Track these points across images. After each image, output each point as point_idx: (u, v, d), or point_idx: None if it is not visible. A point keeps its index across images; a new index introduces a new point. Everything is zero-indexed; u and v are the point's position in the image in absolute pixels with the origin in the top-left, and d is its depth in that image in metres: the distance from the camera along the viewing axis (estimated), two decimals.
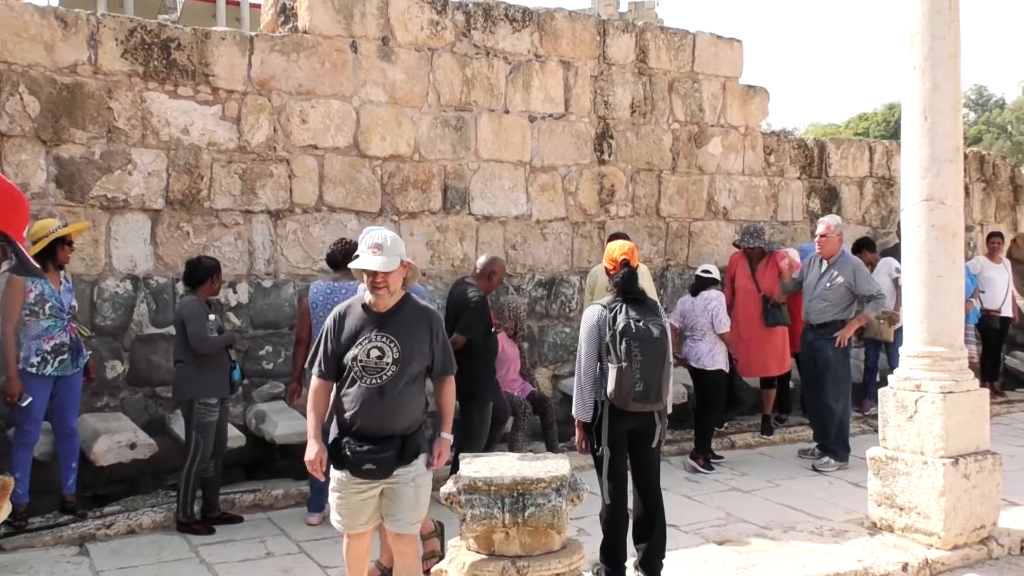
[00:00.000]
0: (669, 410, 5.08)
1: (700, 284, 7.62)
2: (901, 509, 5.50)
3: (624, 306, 4.88)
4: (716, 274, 7.68)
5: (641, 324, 4.80)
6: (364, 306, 4.01)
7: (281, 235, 7.35)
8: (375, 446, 3.89)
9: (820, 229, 7.66)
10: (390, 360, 3.90)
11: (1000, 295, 10.30)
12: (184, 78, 6.94)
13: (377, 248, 3.89)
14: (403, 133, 7.78)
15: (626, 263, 5.07)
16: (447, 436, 4.18)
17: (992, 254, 10.61)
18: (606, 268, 5.18)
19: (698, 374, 7.52)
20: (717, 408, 7.70)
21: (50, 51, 6.51)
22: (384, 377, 3.90)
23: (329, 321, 4.07)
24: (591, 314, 4.99)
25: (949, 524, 5.27)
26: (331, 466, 4.02)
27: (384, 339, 3.91)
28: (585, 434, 5.01)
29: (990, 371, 10.53)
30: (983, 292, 10.18)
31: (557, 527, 3.82)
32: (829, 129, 75.44)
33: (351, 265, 3.99)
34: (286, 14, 7.58)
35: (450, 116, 7.99)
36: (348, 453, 3.90)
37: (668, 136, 9.13)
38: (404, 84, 7.77)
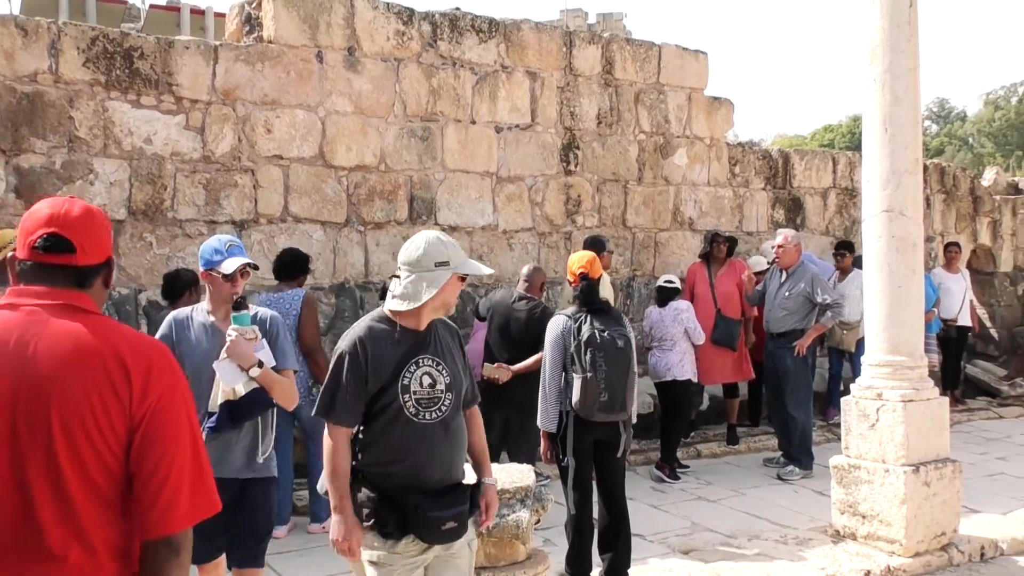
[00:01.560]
0: (634, 420, 5.09)
1: (665, 294, 7.64)
2: (864, 517, 5.55)
3: (589, 316, 4.91)
4: (678, 284, 7.74)
5: (606, 334, 4.82)
6: (393, 325, 3.13)
7: (246, 245, 7.27)
8: (448, 499, 3.09)
9: (778, 240, 7.77)
10: (443, 388, 3.11)
11: (956, 305, 10.45)
12: (147, 87, 6.88)
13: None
14: (369, 143, 7.76)
15: (584, 276, 5.10)
16: (491, 481, 3.34)
17: (949, 264, 10.77)
18: (568, 281, 5.20)
19: (666, 385, 7.53)
20: (684, 418, 7.75)
21: (10, 59, 6.43)
22: (444, 409, 3.10)
23: (349, 351, 3.08)
24: (556, 324, 5.01)
25: (910, 531, 5.33)
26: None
27: (432, 363, 3.12)
28: (550, 444, 5.02)
29: (951, 380, 10.68)
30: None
31: (522, 538, 3.83)
32: (795, 140, 76.21)
33: (462, 271, 3.12)
34: (251, 24, 7.54)
35: (416, 126, 7.98)
36: (423, 514, 3.01)
37: (634, 147, 9.18)
38: (370, 94, 7.75)
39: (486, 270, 3.33)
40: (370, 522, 3.04)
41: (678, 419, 7.61)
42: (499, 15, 8.54)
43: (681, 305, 7.55)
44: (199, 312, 3.77)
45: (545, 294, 8.28)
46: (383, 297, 6.45)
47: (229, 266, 3.62)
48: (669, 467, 7.46)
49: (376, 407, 3.07)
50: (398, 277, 3.12)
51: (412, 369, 3.08)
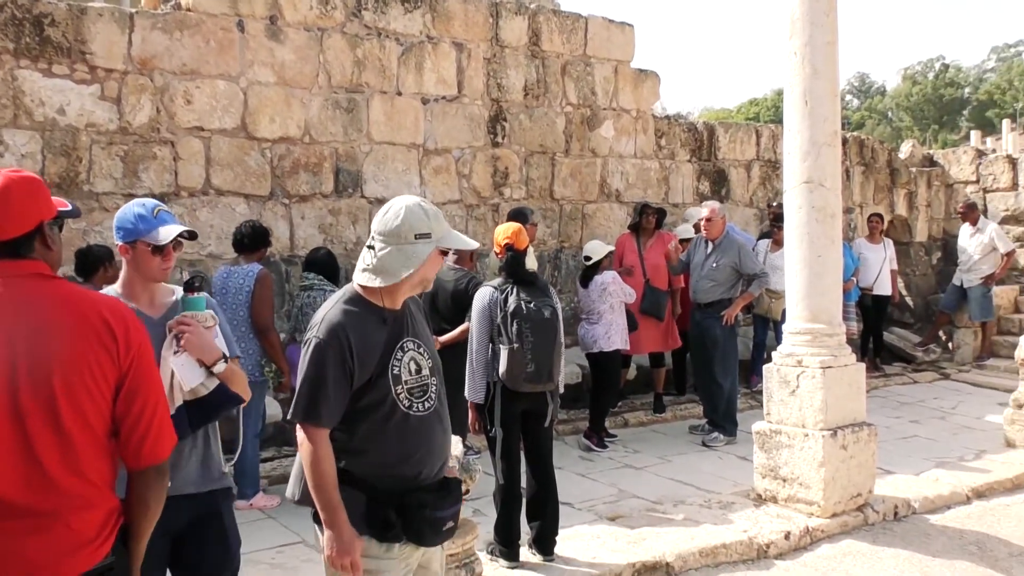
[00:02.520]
0: (561, 390, 5.14)
1: (587, 273, 7.69)
2: (784, 480, 5.70)
3: (515, 288, 4.92)
4: (602, 252, 7.71)
5: (532, 305, 4.84)
6: (369, 306, 2.74)
7: None
8: (449, 497, 2.83)
9: (704, 213, 7.87)
10: (427, 372, 2.79)
11: (873, 274, 10.74)
12: (59, 56, 6.66)
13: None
14: (293, 115, 7.64)
15: (510, 247, 5.11)
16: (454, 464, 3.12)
17: (872, 234, 11.06)
18: (494, 252, 5.20)
19: (594, 356, 7.61)
20: (612, 388, 7.84)
21: None
22: (433, 398, 2.80)
23: (328, 341, 2.64)
24: (482, 296, 5.01)
25: (828, 493, 5.48)
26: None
27: (414, 345, 2.78)
28: (478, 415, 5.04)
29: (870, 347, 11.00)
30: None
31: None
32: (721, 114, 77.35)
33: (444, 244, 2.75)
34: None
35: (341, 98, 7.87)
36: (430, 515, 2.74)
37: (561, 119, 9.20)
38: (293, 64, 7.62)
39: (472, 243, 2.91)
40: (370, 528, 2.69)
41: (605, 389, 7.69)
42: None
43: (606, 278, 7.59)
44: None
45: (476, 265, 8.29)
46: (307, 269, 6.42)
47: (165, 235, 2.88)
48: (597, 436, 7.56)
49: (362, 404, 2.67)
50: (372, 248, 2.71)
51: (399, 356, 2.71)
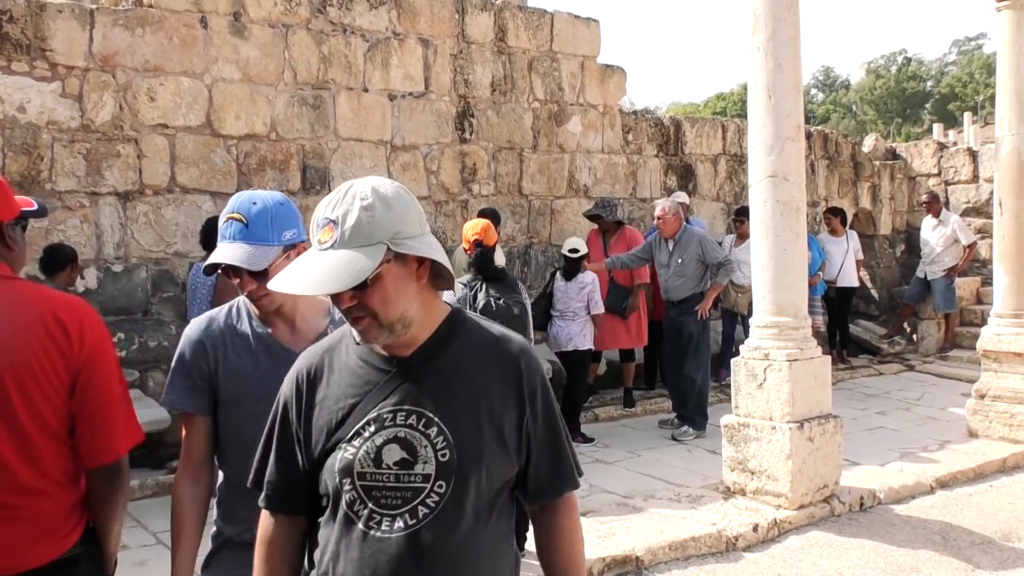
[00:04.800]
0: None
1: (572, 265, 7.62)
2: (752, 473, 5.75)
3: (484, 284, 4.94)
4: (583, 248, 7.73)
5: (501, 302, 4.87)
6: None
7: (131, 217, 7.06)
8: None
9: (657, 212, 7.91)
10: (430, 470, 1.73)
11: (836, 267, 10.87)
12: (18, 53, 6.56)
13: (330, 228, 1.67)
14: (259, 111, 7.58)
15: (479, 243, 5.12)
16: None
17: (832, 228, 11.16)
18: (463, 248, 5.21)
19: (568, 354, 7.57)
20: (583, 384, 7.86)
21: None
22: (421, 513, 1.73)
23: (287, 387, 1.88)
24: (451, 293, 5.02)
25: (795, 485, 5.54)
26: None
27: (413, 418, 1.74)
28: None
29: (836, 340, 11.13)
30: None
31: None
32: (689, 108, 77.86)
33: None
34: None
35: (307, 94, 7.83)
36: None
37: (529, 115, 9.20)
38: (258, 61, 7.56)
39: (302, 283, 1.75)
40: None
41: (580, 385, 7.72)
42: None
43: (587, 278, 7.60)
44: (242, 316, 2.41)
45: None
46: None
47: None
48: (577, 432, 7.55)
49: (322, 493, 1.82)
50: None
51: (365, 429, 1.74)
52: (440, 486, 1.73)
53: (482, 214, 7.65)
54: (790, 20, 5.85)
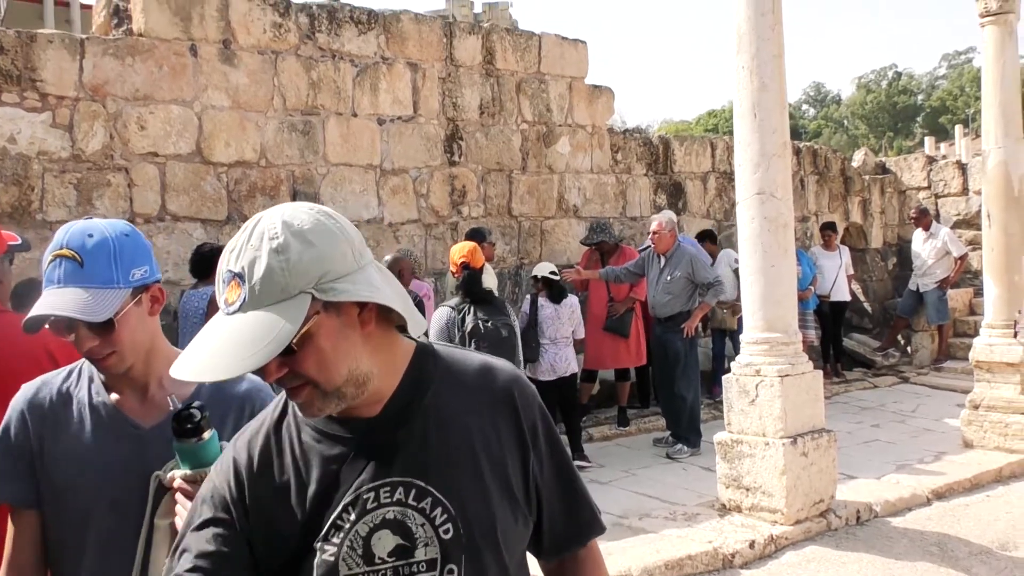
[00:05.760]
0: None
1: (558, 289, 7.51)
2: (747, 490, 5.75)
3: (472, 307, 4.95)
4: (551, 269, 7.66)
5: (490, 324, 4.88)
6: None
7: None
8: None
9: (652, 227, 7.94)
10: (434, 553, 1.41)
11: (829, 281, 10.92)
12: (9, 84, 6.59)
13: (235, 284, 1.30)
14: (248, 138, 7.61)
15: (466, 265, 5.15)
16: None
17: (827, 243, 11.23)
18: (451, 271, 5.22)
19: (564, 380, 7.45)
20: (578, 405, 7.84)
21: None
22: None
23: (220, 483, 1.46)
24: (440, 316, 5.04)
25: (791, 500, 5.54)
26: None
27: (400, 492, 1.42)
28: None
29: (830, 353, 11.15)
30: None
31: None
32: (681, 126, 78.21)
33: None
34: (119, 16, 7.29)
35: (297, 120, 7.86)
36: None
37: (517, 136, 9.25)
38: (248, 88, 7.60)
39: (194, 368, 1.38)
40: None
41: (575, 408, 7.69)
42: (381, 5, 8.50)
43: (574, 302, 7.58)
44: (82, 380, 1.94)
45: (434, 282, 8.31)
46: None
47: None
48: (579, 454, 7.49)
49: None
50: None
51: (345, 518, 1.39)
52: (451, 571, 1.39)
53: (469, 235, 7.67)
54: (774, 39, 5.91)
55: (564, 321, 7.44)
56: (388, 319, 1.42)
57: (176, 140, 7.27)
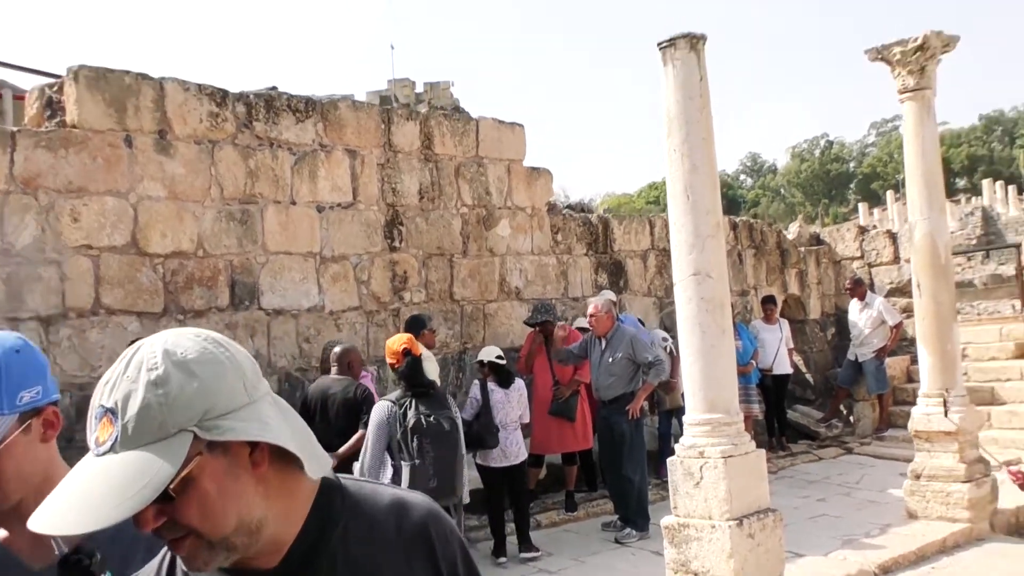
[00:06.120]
0: (466, 500, 5.08)
1: (505, 374, 7.42)
2: (696, 574, 5.69)
3: (413, 401, 4.89)
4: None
5: (432, 419, 4.82)
6: None
7: (54, 342, 6.90)
8: None
9: (589, 311, 7.98)
10: None
11: (771, 355, 11.04)
12: None
13: (107, 421, 1.18)
14: (185, 228, 7.54)
15: (408, 352, 5.11)
16: None
17: (767, 316, 11.39)
18: (390, 363, 5.16)
19: (517, 467, 7.35)
20: (527, 492, 7.73)
21: None
22: None
23: None
24: (380, 411, 4.97)
25: None
26: None
27: None
28: None
29: (775, 427, 11.22)
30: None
31: None
32: (623, 199, 79.44)
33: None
34: (53, 108, 7.24)
35: (235, 209, 7.82)
36: None
37: (457, 220, 9.30)
38: (184, 178, 7.55)
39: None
40: None
41: (526, 496, 7.58)
42: (326, 87, 8.55)
43: (521, 386, 7.52)
44: None
45: (376, 370, 8.21)
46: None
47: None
48: (527, 545, 7.34)
49: None
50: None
51: None
52: None
53: (409, 322, 7.65)
54: (703, 122, 6.05)
55: (513, 405, 7.35)
56: (286, 457, 1.25)
57: (111, 232, 7.17)
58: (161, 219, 7.43)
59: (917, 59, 7.47)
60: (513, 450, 7.32)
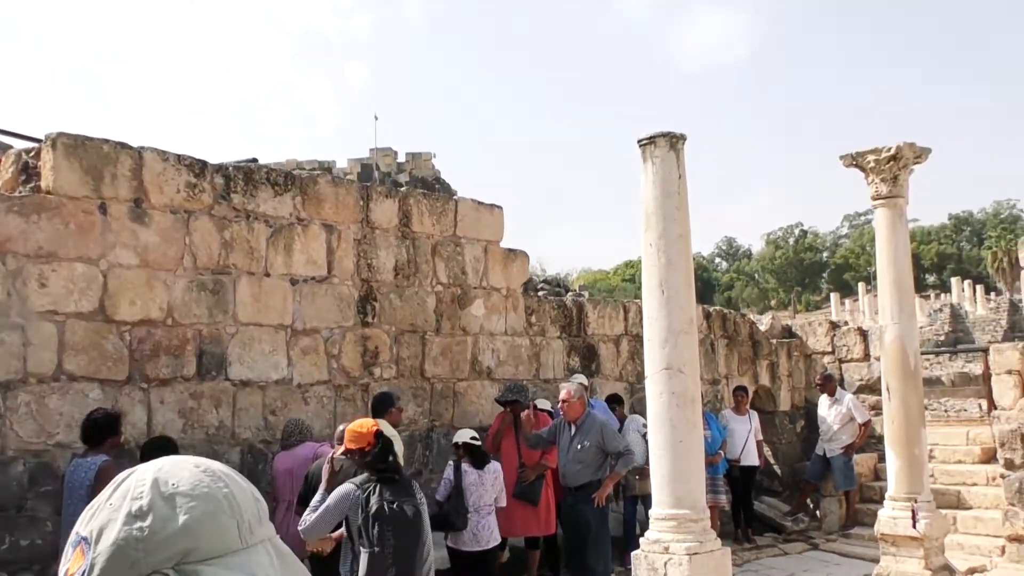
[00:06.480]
0: None
1: (480, 455, 7.34)
2: None
3: (378, 486, 4.81)
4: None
5: (395, 506, 4.74)
6: None
7: (11, 408, 6.74)
8: None
9: (562, 395, 7.94)
10: None
11: (739, 445, 11.02)
12: None
13: (80, 552, 1.11)
14: (155, 297, 7.46)
15: (380, 434, 5.05)
16: None
17: (738, 407, 11.39)
18: (354, 448, 5.06)
19: (489, 552, 7.22)
20: None
21: None
22: None
23: None
24: (343, 494, 4.88)
25: None
26: None
27: None
28: None
29: (741, 518, 11.14)
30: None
31: None
32: (599, 275, 79.98)
33: None
34: (28, 173, 7.20)
35: (207, 279, 7.76)
36: None
37: (432, 298, 9.28)
38: (158, 247, 7.50)
39: None
40: None
41: None
42: (304, 156, 8.59)
43: (497, 468, 7.42)
44: None
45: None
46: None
47: None
48: None
49: None
50: None
51: None
52: None
53: (377, 399, 7.59)
54: (680, 219, 6.13)
55: (488, 487, 7.24)
56: None
57: (79, 298, 7.08)
58: (131, 287, 7.35)
59: (890, 168, 7.62)
60: (485, 535, 7.19)
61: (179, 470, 1.13)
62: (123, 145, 7.38)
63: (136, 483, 1.10)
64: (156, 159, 7.53)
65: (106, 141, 7.28)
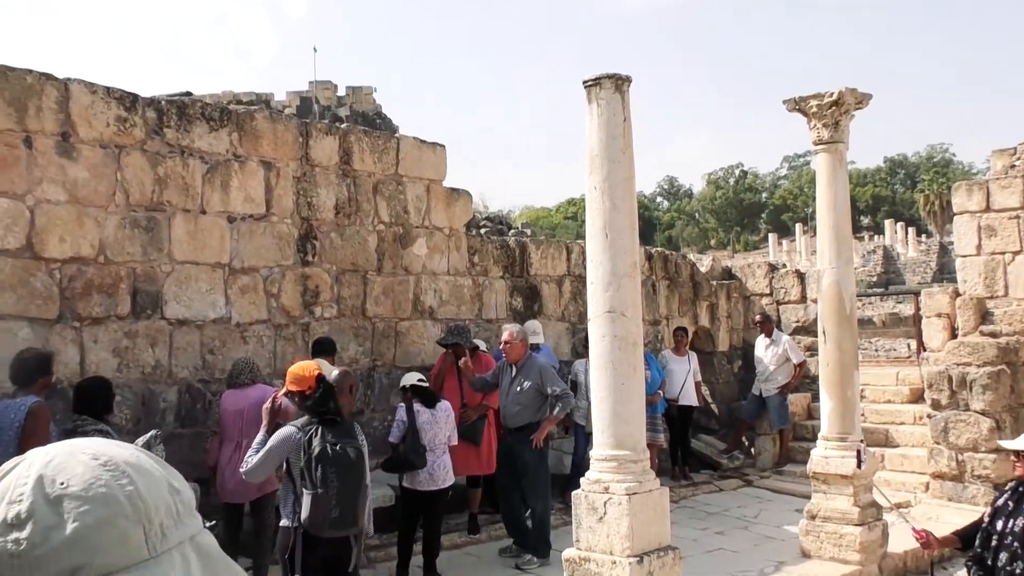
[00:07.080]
0: (370, 531, 4.99)
1: (429, 395, 7.38)
2: None
3: (320, 428, 4.77)
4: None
5: (338, 447, 4.71)
6: None
7: None
8: None
9: (504, 336, 7.94)
10: None
11: (678, 386, 11.18)
12: None
13: None
14: (86, 234, 7.23)
15: (322, 378, 5.00)
16: None
17: (677, 347, 11.53)
18: (295, 390, 4.99)
19: (442, 492, 7.28)
20: (442, 518, 7.63)
21: None
22: None
23: None
24: (284, 436, 4.84)
25: None
26: None
27: None
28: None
29: (678, 456, 11.36)
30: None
31: None
32: (541, 213, 79.97)
33: None
34: None
35: (140, 216, 7.54)
36: None
37: (374, 237, 9.16)
38: (87, 182, 7.25)
39: None
40: None
41: (439, 521, 7.48)
42: (241, 88, 8.32)
43: (448, 406, 7.43)
44: None
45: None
46: (77, 404, 5.82)
47: None
48: (432, 572, 7.25)
49: None
50: None
51: None
52: None
53: (317, 344, 7.52)
54: (625, 162, 6.08)
55: (441, 426, 7.28)
56: None
57: (3, 234, 6.83)
58: (60, 223, 7.11)
59: (832, 113, 7.66)
60: (440, 474, 7.26)
61: (72, 464, 0.92)
62: (48, 76, 7.08)
63: (16, 481, 0.91)
64: (84, 91, 7.24)
65: (29, 72, 6.97)
